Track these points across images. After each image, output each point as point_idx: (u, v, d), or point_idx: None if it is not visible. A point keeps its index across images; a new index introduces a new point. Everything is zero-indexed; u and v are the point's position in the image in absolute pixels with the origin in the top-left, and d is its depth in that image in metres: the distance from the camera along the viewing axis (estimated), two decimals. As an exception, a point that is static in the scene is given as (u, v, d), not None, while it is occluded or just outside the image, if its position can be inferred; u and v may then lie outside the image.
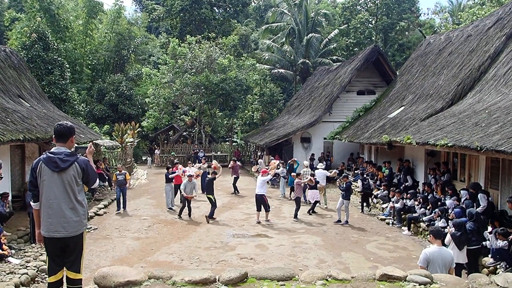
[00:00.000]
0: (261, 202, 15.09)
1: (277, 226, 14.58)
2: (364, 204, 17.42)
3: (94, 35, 41.29)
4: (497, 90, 14.37)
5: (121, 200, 16.93)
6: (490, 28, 18.19)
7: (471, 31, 19.93)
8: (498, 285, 5.99)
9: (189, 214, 15.75)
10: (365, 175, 19.49)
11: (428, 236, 6.95)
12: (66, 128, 4.66)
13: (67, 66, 28.67)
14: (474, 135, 11.01)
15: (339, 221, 15.07)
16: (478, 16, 29.70)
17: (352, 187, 17.28)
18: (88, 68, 42.15)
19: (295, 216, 15.62)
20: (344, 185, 15.31)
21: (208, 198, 15.58)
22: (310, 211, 16.70)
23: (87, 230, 12.96)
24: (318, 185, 17.31)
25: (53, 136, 4.68)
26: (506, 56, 15.70)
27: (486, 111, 12.81)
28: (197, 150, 33.03)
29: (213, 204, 15.42)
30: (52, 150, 4.62)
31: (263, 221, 15.05)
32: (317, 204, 17.14)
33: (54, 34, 33.29)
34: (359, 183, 18.26)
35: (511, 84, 13.79)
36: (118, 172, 17.33)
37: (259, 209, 15.17)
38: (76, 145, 14.82)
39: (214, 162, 19.66)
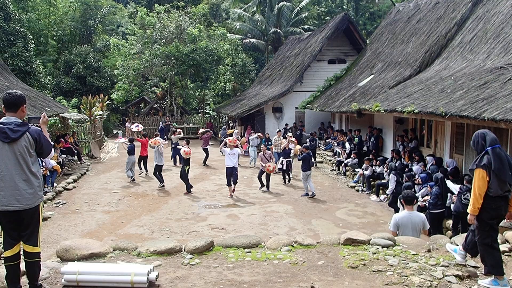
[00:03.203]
0: (232, 175, 14.43)
1: (248, 196, 14.60)
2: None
3: (58, 4, 39.78)
4: (463, 56, 14.56)
5: None
6: (457, -5, 18.28)
7: (439, -2, 20.00)
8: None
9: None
10: (315, 137, 21.52)
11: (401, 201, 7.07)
12: (15, 97, 4.49)
13: (31, 37, 27.55)
14: (440, 101, 11.16)
15: (306, 194, 14.55)
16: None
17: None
18: (54, 40, 40.69)
19: (267, 187, 15.49)
20: (301, 156, 14.77)
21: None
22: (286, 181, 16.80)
23: (55, 205, 12.92)
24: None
25: (2, 106, 4.50)
26: (471, 22, 15.86)
27: (452, 78, 12.99)
28: (169, 122, 32.63)
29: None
30: (1, 120, 4.45)
31: (230, 195, 14.50)
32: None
33: (16, 4, 31.80)
34: (308, 142, 19.91)
35: (476, 51, 13.98)
36: None
37: (229, 184, 14.60)
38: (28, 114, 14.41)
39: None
